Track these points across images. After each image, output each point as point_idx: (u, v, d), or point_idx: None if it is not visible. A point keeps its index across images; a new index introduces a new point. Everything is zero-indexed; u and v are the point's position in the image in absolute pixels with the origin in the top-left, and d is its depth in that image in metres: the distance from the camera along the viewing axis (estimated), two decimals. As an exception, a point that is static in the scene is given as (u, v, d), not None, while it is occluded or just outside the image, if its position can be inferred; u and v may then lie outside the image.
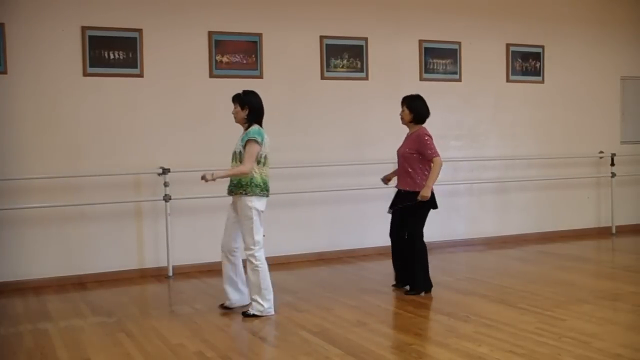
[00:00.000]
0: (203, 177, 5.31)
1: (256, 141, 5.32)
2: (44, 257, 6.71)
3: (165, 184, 6.97)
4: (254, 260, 5.36)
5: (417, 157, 6.04)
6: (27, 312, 5.73)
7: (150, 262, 7.12)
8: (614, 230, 9.44)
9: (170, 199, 6.99)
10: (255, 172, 5.34)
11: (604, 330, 4.77)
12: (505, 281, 6.46)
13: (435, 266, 7.43)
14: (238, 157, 5.39)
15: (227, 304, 5.60)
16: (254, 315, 5.32)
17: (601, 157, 9.45)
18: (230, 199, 5.59)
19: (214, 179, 5.28)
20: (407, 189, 6.06)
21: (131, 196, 7.02)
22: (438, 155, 6.01)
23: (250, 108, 5.42)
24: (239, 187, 5.34)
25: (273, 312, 5.37)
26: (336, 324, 5.09)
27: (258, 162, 5.35)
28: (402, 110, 6.17)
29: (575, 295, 5.80)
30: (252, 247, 5.35)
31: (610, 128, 9.64)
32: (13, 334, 5.05)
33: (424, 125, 6.22)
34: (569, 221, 9.31)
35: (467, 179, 8.70)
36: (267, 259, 7.63)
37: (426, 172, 6.03)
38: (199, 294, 6.26)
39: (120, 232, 7.00)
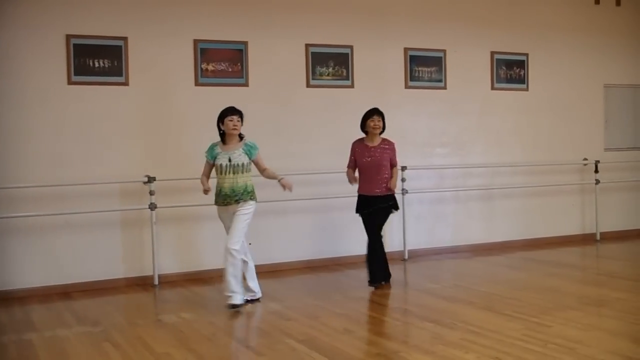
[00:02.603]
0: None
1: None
2: (28, 267, 6.65)
3: (151, 193, 6.95)
4: (236, 255, 5.79)
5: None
6: (11, 322, 5.67)
7: (135, 271, 7.07)
8: (598, 237, 9.50)
9: (155, 207, 6.96)
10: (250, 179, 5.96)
11: (589, 336, 4.79)
12: (492, 288, 6.48)
13: (422, 273, 7.48)
14: (241, 169, 5.85)
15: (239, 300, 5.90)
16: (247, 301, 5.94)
17: (585, 165, 9.52)
18: (215, 208, 5.97)
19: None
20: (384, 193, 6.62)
21: (117, 205, 6.99)
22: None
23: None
24: (247, 193, 5.87)
25: None
26: (323, 332, 5.08)
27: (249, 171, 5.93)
28: (380, 121, 6.62)
29: (561, 302, 5.83)
30: (238, 244, 5.78)
31: (594, 135, 9.71)
32: (-3, 345, 5.00)
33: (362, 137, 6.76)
34: (554, 228, 9.36)
35: (453, 186, 8.73)
36: (255, 266, 7.65)
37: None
38: (185, 303, 6.23)
39: (106, 241, 6.96)
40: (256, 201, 5.96)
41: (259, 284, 6.15)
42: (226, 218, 5.93)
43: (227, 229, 5.93)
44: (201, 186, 5.97)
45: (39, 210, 6.62)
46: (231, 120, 5.86)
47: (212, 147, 5.98)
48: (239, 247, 5.80)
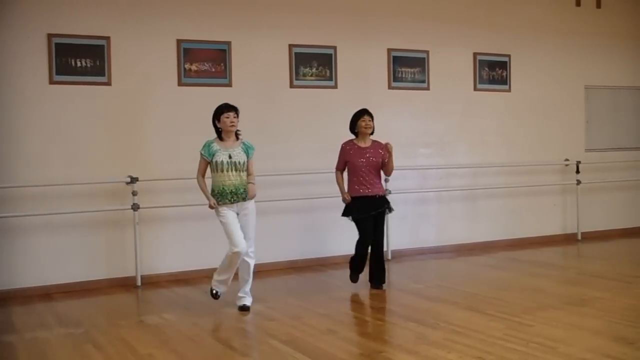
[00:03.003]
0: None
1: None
2: (8, 268, 6.59)
3: (134, 193, 6.91)
4: (254, 257, 5.92)
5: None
6: (-9, 324, 5.63)
7: (118, 272, 7.03)
8: (579, 237, 9.58)
9: (138, 207, 6.93)
10: None
11: (570, 335, 4.83)
12: (474, 288, 6.52)
13: (405, 273, 7.50)
14: (242, 167, 5.74)
15: (221, 292, 5.99)
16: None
17: (567, 165, 9.60)
18: (207, 209, 5.86)
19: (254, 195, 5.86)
20: (382, 194, 6.60)
21: (99, 205, 6.94)
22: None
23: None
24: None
25: None
26: (306, 332, 5.08)
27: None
28: (371, 121, 6.51)
29: (543, 301, 5.87)
30: (254, 246, 5.89)
31: (575, 136, 9.80)
32: (-23, 347, 4.95)
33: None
34: (536, 228, 9.42)
35: (436, 186, 8.76)
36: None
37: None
38: (168, 304, 6.21)
39: (88, 242, 6.92)
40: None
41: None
42: (230, 217, 5.71)
43: (232, 227, 5.65)
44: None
45: (20, 210, 6.57)
46: (227, 117, 5.70)
47: (208, 145, 5.75)
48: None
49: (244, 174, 5.75)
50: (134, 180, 6.92)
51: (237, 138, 5.83)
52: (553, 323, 5.14)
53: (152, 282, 7.08)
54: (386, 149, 6.47)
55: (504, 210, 9.23)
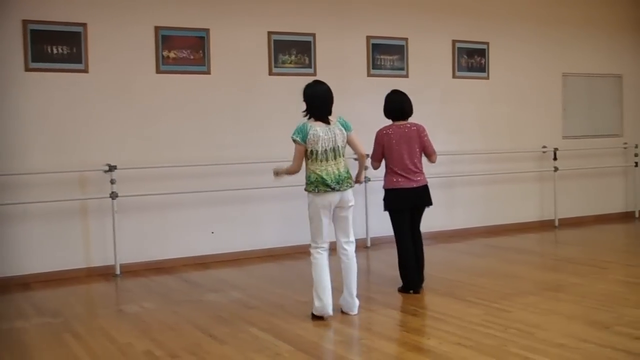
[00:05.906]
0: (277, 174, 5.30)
1: (293, 140, 5.22)
2: (-15, 258, 6.53)
3: (112, 181, 6.86)
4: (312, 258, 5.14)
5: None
6: (-32, 314, 5.58)
7: (97, 261, 7.00)
8: (556, 223, 9.69)
9: (117, 196, 6.89)
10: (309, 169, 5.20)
11: (547, 320, 4.89)
12: (453, 274, 6.57)
13: (384, 261, 7.53)
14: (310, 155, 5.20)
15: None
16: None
17: (544, 152, 9.68)
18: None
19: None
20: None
21: (77, 194, 6.89)
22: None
23: (305, 103, 5.35)
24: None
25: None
26: (286, 320, 5.09)
27: (308, 159, 5.20)
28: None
29: (520, 287, 5.94)
30: (311, 244, 5.16)
31: (553, 123, 9.88)
32: (-46, 337, 4.91)
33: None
34: (514, 214, 9.51)
35: (415, 174, 8.78)
36: (216, 255, 7.61)
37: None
38: (147, 293, 6.18)
39: (66, 231, 6.87)
40: (308, 192, 5.16)
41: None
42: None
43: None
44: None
45: (-4, 199, 6.50)
46: None
47: None
48: (311, 249, 5.14)
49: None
50: (112, 168, 6.87)
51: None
52: (530, 309, 5.20)
53: (131, 270, 7.04)
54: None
55: (482, 197, 9.29)
